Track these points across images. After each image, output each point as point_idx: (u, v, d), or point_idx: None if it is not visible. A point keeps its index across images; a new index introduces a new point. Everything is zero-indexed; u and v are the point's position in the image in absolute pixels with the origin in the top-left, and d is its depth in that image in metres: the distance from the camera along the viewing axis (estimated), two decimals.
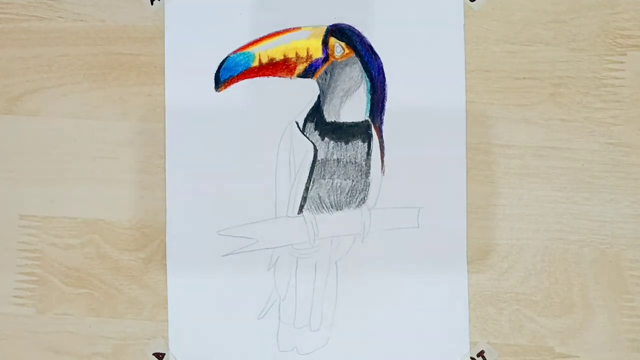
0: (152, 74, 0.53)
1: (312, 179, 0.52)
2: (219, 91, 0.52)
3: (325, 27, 0.52)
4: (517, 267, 0.51)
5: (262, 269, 0.52)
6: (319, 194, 0.52)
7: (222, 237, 0.52)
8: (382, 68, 0.52)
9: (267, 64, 0.52)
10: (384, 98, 0.52)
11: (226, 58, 0.52)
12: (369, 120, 0.52)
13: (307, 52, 0.52)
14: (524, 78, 0.52)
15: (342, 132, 0.52)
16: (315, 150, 0.52)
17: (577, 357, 0.51)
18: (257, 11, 0.52)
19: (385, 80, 0.52)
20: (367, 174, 0.52)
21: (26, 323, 0.53)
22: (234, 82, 0.52)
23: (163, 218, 0.52)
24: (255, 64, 0.52)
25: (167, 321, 0.52)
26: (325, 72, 0.52)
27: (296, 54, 0.52)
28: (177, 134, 0.52)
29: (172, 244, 0.52)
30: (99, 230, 0.53)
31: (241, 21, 0.52)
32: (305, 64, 0.52)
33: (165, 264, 0.52)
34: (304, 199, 0.52)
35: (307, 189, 0.52)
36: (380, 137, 0.52)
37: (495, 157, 0.52)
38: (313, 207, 0.52)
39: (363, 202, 0.52)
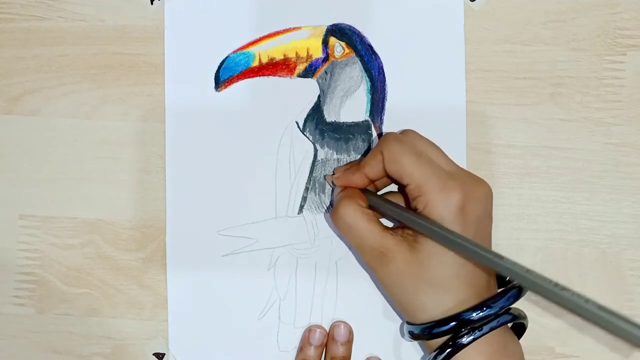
0: (152, 74, 0.53)
1: (312, 179, 0.52)
2: (218, 91, 0.52)
3: (325, 27, 0.52)
4: None
5: (262, 269, 0.52)
6: (319, 193, 0.52)
7: (222, 237, 0.52)
8: (382, 68, 0.52)
9: (267, 63, 0.52)
10: (384, 98, 0.52)
11: (226, 58, 0.52)
12: (369, 120, 0.52)
13: (307, 52, 0.52)
14: (524, 78, 0.52)
15: (342, 132, 0.52)
16: (316, 150, 0.52)
17: (577, 357, 0.51)
18: (257, 11, 0.52)
19: (385, 80, 0.52)
20: None
21: (26, 323, 0.53)
22: (234, 82, 0.52)
23: (163, 218, 0.52)
24: (255, 63, 0.52)
25: (167, 321, 0.52)
26: (326, 72, 0.52)
27: (296, 53, 0.52)
28: (177, 134, 0.52)
29: (172, 244, 0.52)
30: (98, 230, 0.53)
31: (241, 21, 0.52)
32: (306, 64, 0.52)
33: (165, 264, 0.52)
34: (304, 198, 0.52)
35: (307, 188, 0.52)
36: (380, 136, 0.52)
37: (495, 157, 0.52)
38: (313, 207, 0.52)
39: None
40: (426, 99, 0.52)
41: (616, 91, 0.52)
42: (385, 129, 0.52)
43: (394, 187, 0.51)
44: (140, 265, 0.53)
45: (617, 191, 0.52)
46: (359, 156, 0.52)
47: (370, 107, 0.52)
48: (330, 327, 0.51)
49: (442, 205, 0.44)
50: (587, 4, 0.52)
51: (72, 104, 0.53)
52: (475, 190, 0.45)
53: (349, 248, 0.52)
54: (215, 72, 0.52)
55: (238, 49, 0.52)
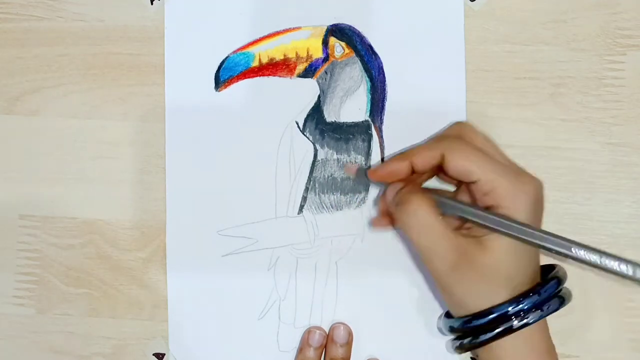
0: (152, 74, 0.53)
1: (312, 179, 0.52)
2: (218, 91, 0.52)
3: (326, 27, 0.52)
4: None
5: (262, 269, 0.52)
6: (319, 193, 0.52)
7: (222, 237, 0.52)
8: (382, 68, 0.52)
9: (267, 63, 0.52)
10: (384, 98, 0.52)
11: (226, 58, 0.52)
12: (369, 120, 0.52)
13: (307, 52, 0.52)
14: (524, 78, 0.52)
15: (342, 132, 0.52)
16: (315, 150, 0.52)
17: (577, 357, 0.51)
18: (257, 11, 0.52)
19: (385, 80, 0.52)
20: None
21: (26, 323, 0.53)
22: (234, 82, 0.52)
23: (163, 218, 0.52)
24: (255, 64, 0.52)
25: (167, 321, 0.52)
26: (326, 72, 0.52)
27: (296, 53, 0.52)
28: (177, 134, 0.52)
29: (172, 244, 0.52)
30: (98, 230, 0.53)
31: (241, 21, 0.52)
32: (305, 64, 0.52)
33: (165, 264, 0.52)
34: (304, 198, 0.52)
35: (307, 189, 0.52)
36: (381, 137, 0.52)
37: None
38: (313, 207, 0.52)
39: (363, 202, 0.52)
40: (426, 99, 0.52)
41: (616, 91, 0.52)
42: (385, 129, 0.52)
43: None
44: (140, 265, 0.53)
45: (617, 191, 0.52)
46: (359, 156, 0.52)
47: (370, 107, 0.52)
48: (330, 328, 0.51)
49: (518, 199, 0.44)
50: (587, 4, 0.52)
51: (72, 104, 0.53)
52: (539, 184, 0.45)
53: (348, 249, 0.52)
54: (215, 72, 0.52)
55: (238, 49, 0.52)
